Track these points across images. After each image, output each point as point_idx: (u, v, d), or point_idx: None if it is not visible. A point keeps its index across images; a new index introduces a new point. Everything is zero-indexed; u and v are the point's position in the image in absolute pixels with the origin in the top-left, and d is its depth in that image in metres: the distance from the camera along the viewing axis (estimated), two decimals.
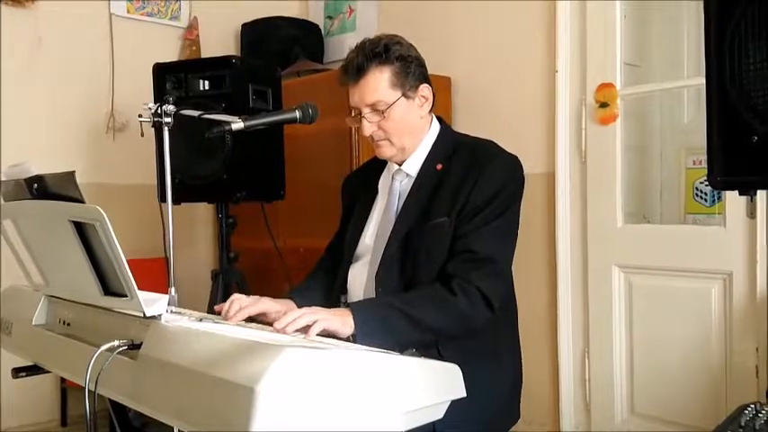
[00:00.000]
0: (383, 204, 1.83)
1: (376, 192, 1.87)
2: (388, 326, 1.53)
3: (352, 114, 1.77)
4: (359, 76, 1.70)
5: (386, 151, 1.76)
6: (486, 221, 1.65)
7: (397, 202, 1.79)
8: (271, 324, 1.50)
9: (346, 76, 1.73)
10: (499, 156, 1.74)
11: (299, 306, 1.64)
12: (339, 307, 1.68)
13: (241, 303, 1.60)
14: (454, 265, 1.64)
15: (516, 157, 1.76)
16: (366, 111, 1.71)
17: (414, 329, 1.55)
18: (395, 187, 1.80)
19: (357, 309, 1.53)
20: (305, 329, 1.42)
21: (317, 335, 1.43)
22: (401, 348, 1.51)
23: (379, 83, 1.69)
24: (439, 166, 1.75)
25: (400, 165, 1.80)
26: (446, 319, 1.58)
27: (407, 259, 1.71)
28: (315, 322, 1.43)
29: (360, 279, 1.78)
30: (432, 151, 1.78)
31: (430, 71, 1.84)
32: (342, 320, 1.48)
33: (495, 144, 1.79)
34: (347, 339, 1.49)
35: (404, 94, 1.71)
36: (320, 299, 1.79)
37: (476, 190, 1.66)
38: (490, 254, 1.64)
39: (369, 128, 1.72)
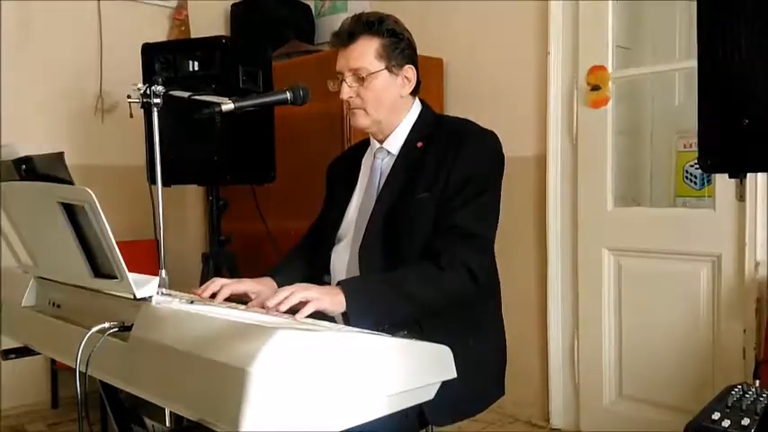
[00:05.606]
0: (365, 182, 1.84)
1: (358, 172, 1.88)
2: (380, 303, 1.55)
3: (337, 78, 1.78)
4: (349, 41, 1.73)
5: (360, 120, 1.78)
6: (470, 198, 1.68)
7: (378, 180, 1.80)
8: (260, 305, 1.49)
9: (337, 40, 1.76)
10: (477, 132, 1.77)
11: (280, 285, 1.66)
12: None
13: (222, 283, 1.63)
14: (440, 241, 1.66)
15: (494, 133, 1.78)
16: (348, 75, 1.74)
17: (404, 304, 1.57)
18: (376, 165, 1.82)
19: (347, 287, 1.54)
20: (296, 307, 1.43)
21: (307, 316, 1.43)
22: (391, 323, 1.52)
23: (365, 50, 1.72)
24: (419, 144, 1.77)
25: (382, 143, 1.81)
26: (433, 292, 1.60)
27: (390, 235, 1.72)
28: (307, 302, 1.44)
29: (342, 258, 1.78)
30: (413, 130, 1.80)
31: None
32: (332, 299, 1.49)
33: (473, 122, 1.81)
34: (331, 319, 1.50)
35: (387, 68, 1.73)
36: (300, 279, 1.78)
37: (456, 166, 1.68)
38: (475, 230, 1.66)
39: (347, 92, 1.74)
